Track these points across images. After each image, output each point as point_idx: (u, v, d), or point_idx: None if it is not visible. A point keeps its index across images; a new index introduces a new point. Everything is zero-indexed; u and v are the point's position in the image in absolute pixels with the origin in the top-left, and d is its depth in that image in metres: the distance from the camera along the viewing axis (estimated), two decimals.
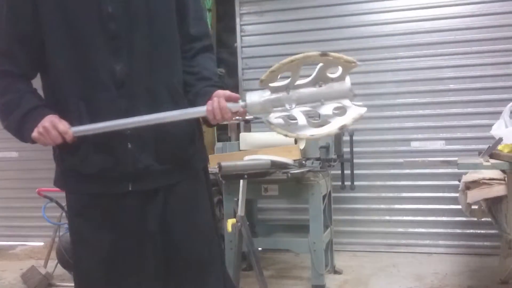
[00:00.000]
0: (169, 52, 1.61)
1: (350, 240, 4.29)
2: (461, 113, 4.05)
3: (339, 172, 4.00)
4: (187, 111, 1.54)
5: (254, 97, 1.46)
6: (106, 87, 1.53)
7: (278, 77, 1.46)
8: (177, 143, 1.60)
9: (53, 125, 1.48)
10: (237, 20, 4.51)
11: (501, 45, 3.95)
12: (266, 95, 1.45)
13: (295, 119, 1.46)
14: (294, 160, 3.23)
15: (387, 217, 4.25)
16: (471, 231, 4.04)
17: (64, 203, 3.60)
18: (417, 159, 3.17)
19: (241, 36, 4.52)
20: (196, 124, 1.69)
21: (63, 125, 1.49)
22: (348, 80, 1.43)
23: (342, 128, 1.44)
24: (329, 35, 4.30)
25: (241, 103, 1.47)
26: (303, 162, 3.33)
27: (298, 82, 1.45)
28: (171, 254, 1.62)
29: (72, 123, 1.52)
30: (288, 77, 1.46)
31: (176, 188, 1.63)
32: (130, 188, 1.57)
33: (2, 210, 5.11)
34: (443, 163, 2.71)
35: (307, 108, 1.46)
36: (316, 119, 1.47)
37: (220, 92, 1.51)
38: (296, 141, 3.35)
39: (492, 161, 2.38)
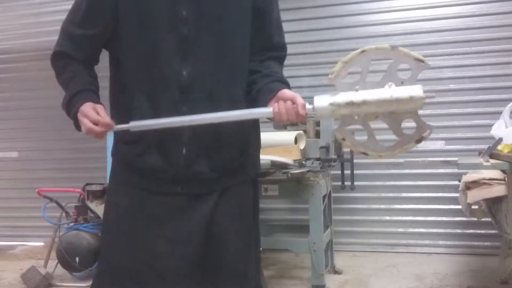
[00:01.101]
0: (236, 62, 1.60)
1: (350, 240, 4.29)
2: (461, 113, 4.06)
3: (339, 172, 4.00)
4: (253, 111, 1.50)
5: (322, 101, 1.41)
6: (171, 89, 1.53)
7: (348, 72, 1.41)
8: (231, 152, 1.59)
9: (85, 114, 1.48)
10: None
11: (501, 45, 3.96)
12: (334, 98, 1.40)
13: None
14: (294, 160, 3.23)
15: (387, 217, 4.25)
16: (471, 231, 4.04)
17: (64, 203, 3.62)
18: (417, 159, 3.18)
19: None
20: (253, 132, 1.68)
21: (92, 113, 1.48)
22: (419, 87, 1.35)
23: (411, 146, 1.42)
24: (329, 35, 4.31)
25: (308, 106, 1.44)
26: (303, 162, 3.33)
27: (368, 79, 1.40)
28: (209, 259, 1.61)
29: (134, 118, 1.53)
30: (357, 73, 1.41)
31: (227, 193, 1.61)
32: (179, 190, 1.57)
33: (2, 210, 5.11)
34: (443, 163, 2.72)
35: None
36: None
37: (286, 93, 1.48)
38: (296, 141, 3.35)
39: (492, 161, 2.38)
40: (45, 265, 3.61)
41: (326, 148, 3.39)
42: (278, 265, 3.98)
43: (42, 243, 4.73)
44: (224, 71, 1.56)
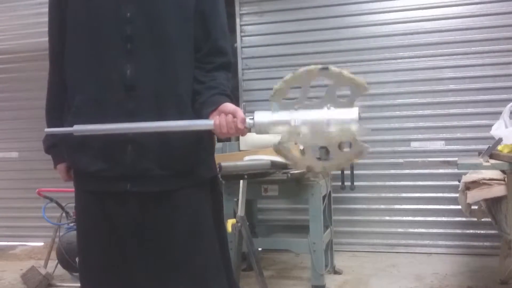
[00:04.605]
0: (178, 62, 1.62)
1: (350, 240, 4.30)
2: (461, 114, 4.06)
3: (339, 172, 4.00)
4: (194, 123, 1.54)
5: (262, 117, 1.44)
6: (115, 87, 1.56)
7: (289, 91, 1.43)
8: (181, 150, 1.60)
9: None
10: (237, 20, 4.51)
11: (501, 46, 3.96)
12: (274, 116, 1.43)
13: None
14: None
15: (387, 217, 4.25)
16: (471, 231, 4.04)
17: (64, 203, 3.62)
18: (417, 159, 3.17)
19: (241, 36, 4.52)
20: (207, 133, 1.68)
21: (62, 175, 1.77)
22: (356, 109, 1.40)
23: (347, 163, 1.43)
24: (329, 36, 4.31)
25: (248, 121, 1.46)
26: None
27: (308, 102, 1.42)
28: (167, 259, 1.63)
29: (73, 116, 1.58)
30: (296, 98, 1.44)
31: (179, 194, 1.62)
32: (128, 188, 1.58)
33: (2, 210, 5.11)
34: (443, 164, 2.71)
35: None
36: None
37: (228, 107, 1.51)
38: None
39: (492, 161, 2.38)
40: (45, 265, 3.62)
41: (326, 148, 3.37)
42: (278, 265, 3.98)
43: (42, 243, 4.74)
44: (167, 71, 1.60)
